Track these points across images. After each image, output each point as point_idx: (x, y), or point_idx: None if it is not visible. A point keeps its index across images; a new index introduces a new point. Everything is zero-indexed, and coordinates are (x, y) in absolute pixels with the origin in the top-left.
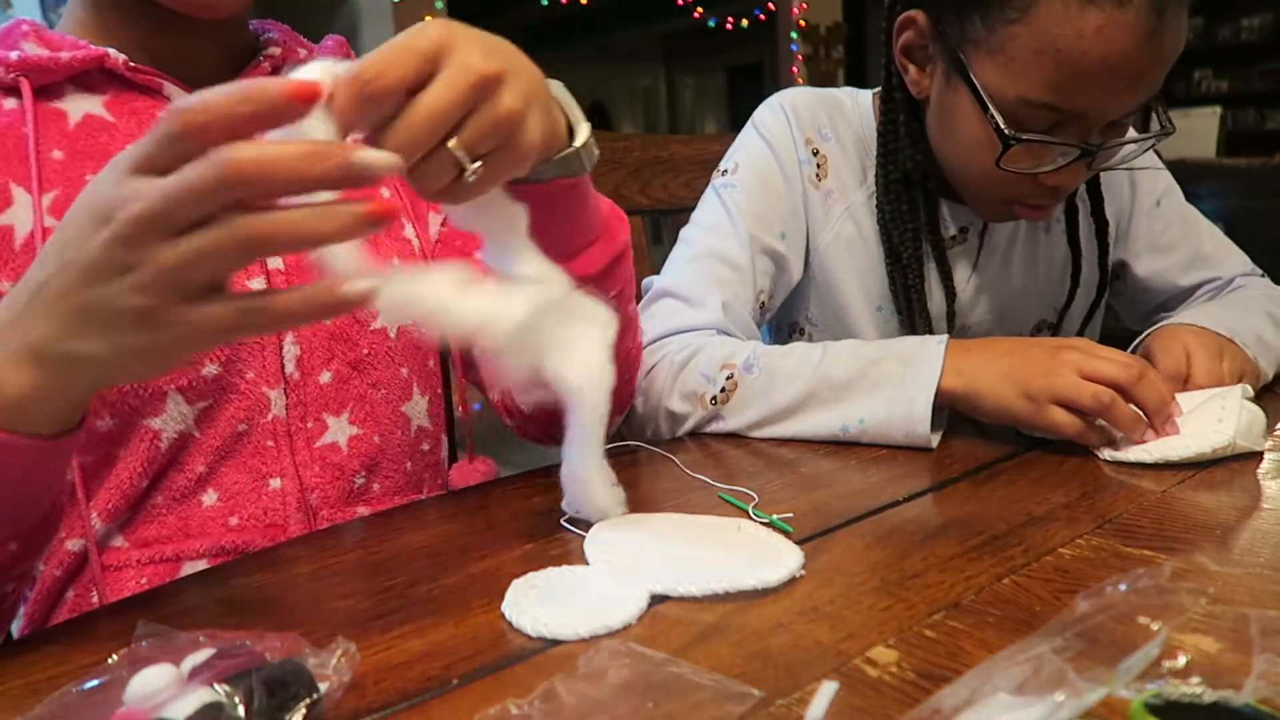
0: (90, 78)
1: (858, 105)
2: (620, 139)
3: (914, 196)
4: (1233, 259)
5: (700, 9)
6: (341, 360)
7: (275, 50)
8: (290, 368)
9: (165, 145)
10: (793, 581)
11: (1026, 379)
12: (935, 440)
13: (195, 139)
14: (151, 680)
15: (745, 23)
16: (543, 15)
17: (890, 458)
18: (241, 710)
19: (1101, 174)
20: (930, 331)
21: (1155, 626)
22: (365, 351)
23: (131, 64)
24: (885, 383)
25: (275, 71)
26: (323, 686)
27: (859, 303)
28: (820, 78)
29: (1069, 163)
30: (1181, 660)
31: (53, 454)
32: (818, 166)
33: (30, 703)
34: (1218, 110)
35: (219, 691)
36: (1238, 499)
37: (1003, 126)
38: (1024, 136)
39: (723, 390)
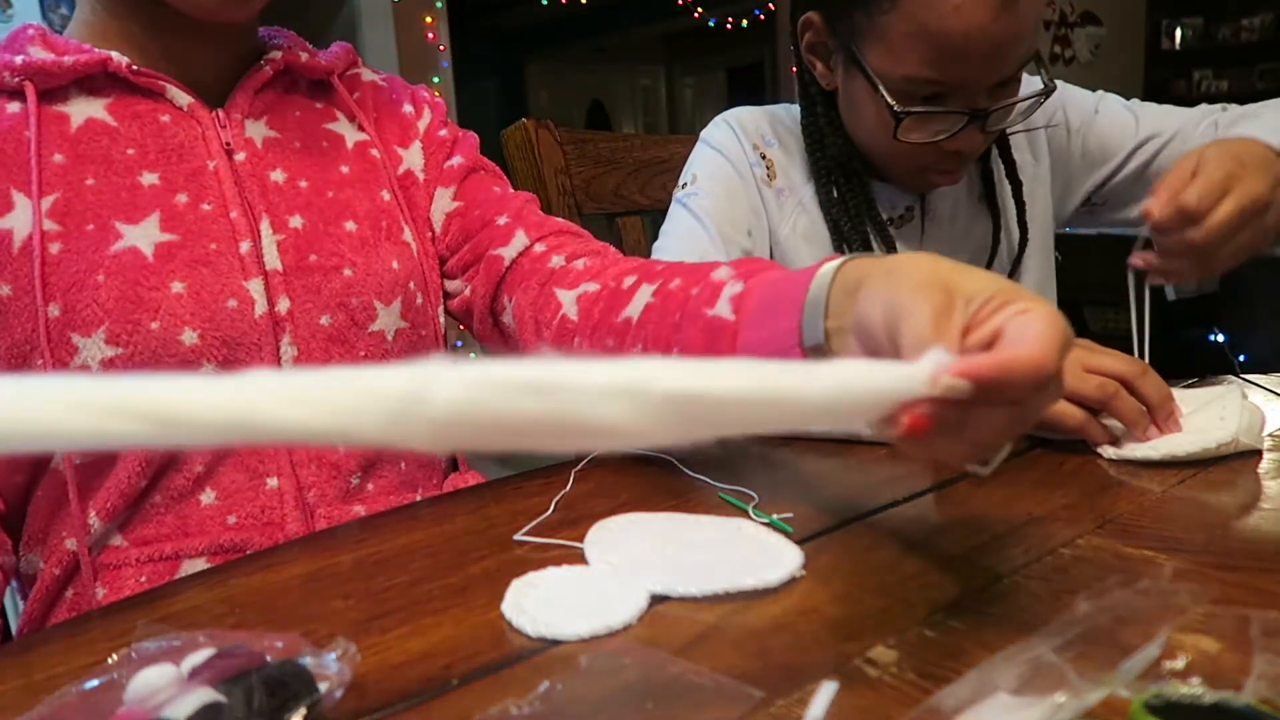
0: (94, 81)
1: (791, 113)
2: (620, 139)
3: (848, 179)
4: (1174, 121)
5: (700, 9)
6: (338, 362)
7: (276, 55)
8: (288, 368)
9: None
10: (793, 581)
11: None
12: None
13: None
14: (151, 680)
15: (745, 23)
16: (543, 15)
17: (890, 458)
18: (241, 710)
19: (1045, 129)
20: None
21: (1156, 627)
22: (362, 354)
23: (135, 67)
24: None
25: (277, 76)
26: (323, 686)
27: None
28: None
29: (961, 128)
30: (1182, 661)
31: None
32: (767, 169)
33: (30, 703)
34: None
35: (219, 691)
36: (1238, 499)
37: (892, 103)
38: (911, 109)
39: None
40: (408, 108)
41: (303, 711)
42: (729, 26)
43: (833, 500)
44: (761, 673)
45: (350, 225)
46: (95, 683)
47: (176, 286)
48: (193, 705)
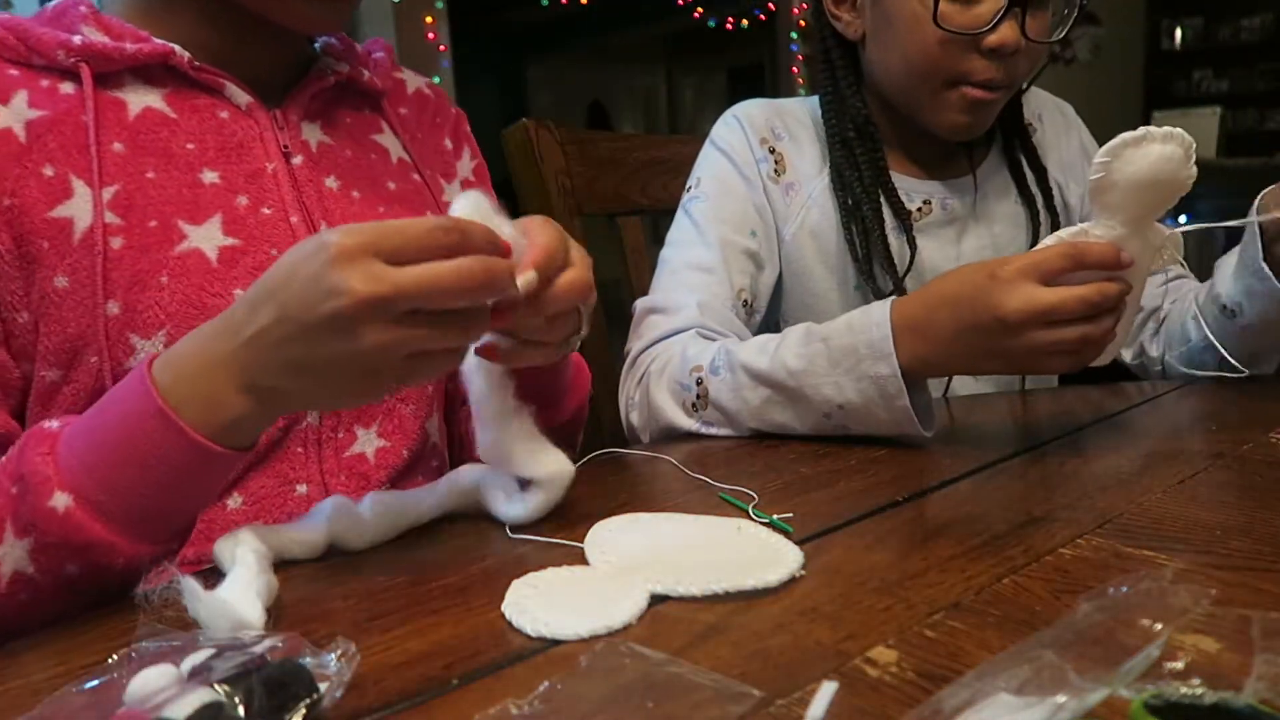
0: (150, 70)
1: (806, 105)
2: (620, 139)
3: (865, 146)
4: None
5: (700, 9)
6: None
7: (343, 68)
8: None
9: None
10: (793, 581)
11: (998, 356)
12: (928, 427)
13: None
14: (151, 680)
15: (745, 23)
16: (543, 15)
17: (890, 458)
18: (241, 710)
19: (1062, 160)
20: (902, 288)
21: (1156, 627)
22: None
23: (196, 64)
24: (842, 357)
25: (339, 87)
26: (323, 686)
27: (830, 288)
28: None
29: (1001, 17)
30: (1182, 661)
31: (237, 463)
32: (775, 163)
33: (30, 703)
34: (1218, 110)
35: (219, 691)
36: (1238, 499)
37: None
38: None
39: (698, 396)
40: (448, 143)
41: (303, 711)
42: (729, 26)
43: (833, 500)
44: (761, 673)
45: None
46: (95, 683)
47: (239, 294)
48: (193, 705)
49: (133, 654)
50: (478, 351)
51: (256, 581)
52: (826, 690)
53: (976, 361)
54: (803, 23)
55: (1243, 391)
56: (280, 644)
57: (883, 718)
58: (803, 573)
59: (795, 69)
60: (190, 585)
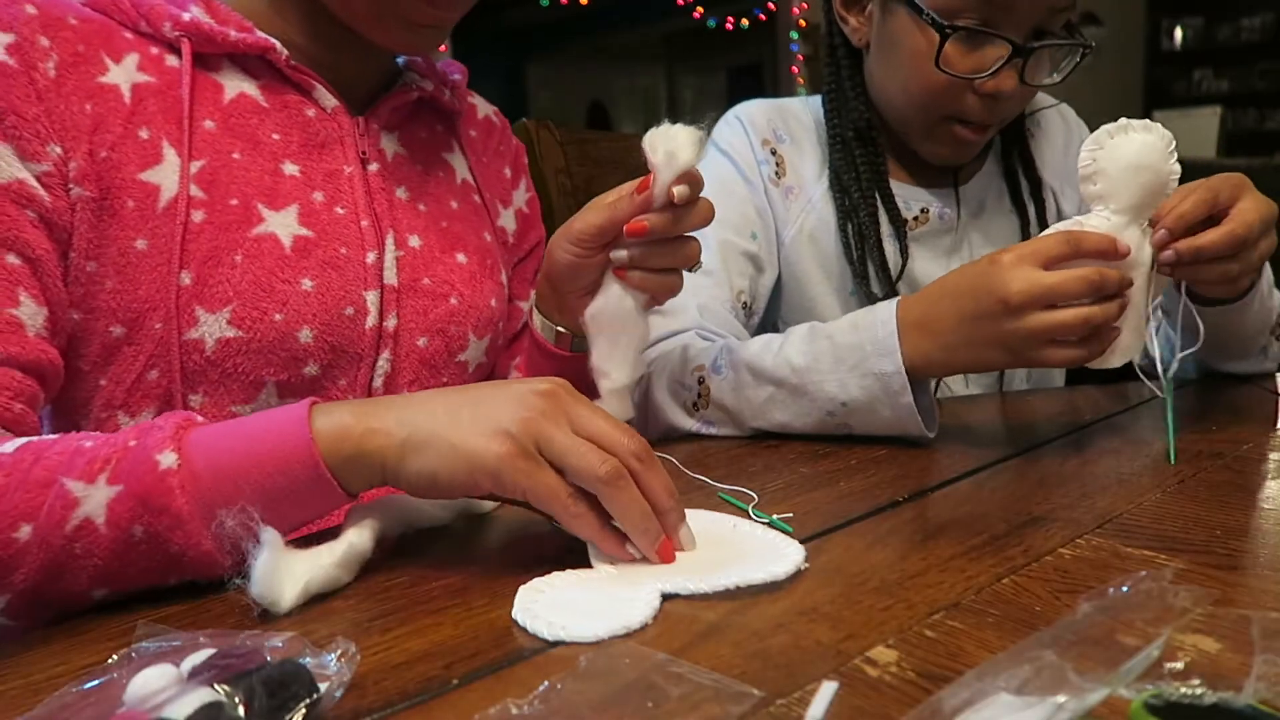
0: (247, 60)
1: (809, 106)
2: (620, 139)
3: (866, 150)
4: None
5: (700, 9)
6: (421, 385)
7: (427, 85)
8: (378, 382)
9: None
10: (797, 576)
11: (1001, 345)
12: (930, 427)
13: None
14: (151, 680)
15: (745, 23)
16: (543, 15)
17: (890, 458)
18: (241, 710)
19: (1059, 167)
20: (894, 292)
21: (1156, 627)
22: (444, 380)
23: (292, 62)
24: (846, 354)
25: (419, 103)
26: (323, 686)
27: (827, 292)
28: (820, 78)
29: (1002, 65)
30: (1182, 661)
31: (329, 506)
32: (776, 165)
33: (30, 703)
34: (1218, 110)
35: (219, 691)
36: (1238, 499)
37: (940, 20)
38: (958, 24)
39: (699, 396)
40: (508, 171)
41: (303, 711)
42: (729, 26)
43: (833, 500)
44: (761, 673)
45: (461, 258)
46: (95, 683)
47: (306, 284)
48: (193, 705)
49: (133, 654)
50: (615, 271)
51: (321, 571)
52: (826, 690)
53: (980, 352)
54: (803, 22)
55: (1242, 391)
56: (280, 644)
57: (883, 718)
58: (807, 565)
59: (795, 69)
60: (270, 535)
